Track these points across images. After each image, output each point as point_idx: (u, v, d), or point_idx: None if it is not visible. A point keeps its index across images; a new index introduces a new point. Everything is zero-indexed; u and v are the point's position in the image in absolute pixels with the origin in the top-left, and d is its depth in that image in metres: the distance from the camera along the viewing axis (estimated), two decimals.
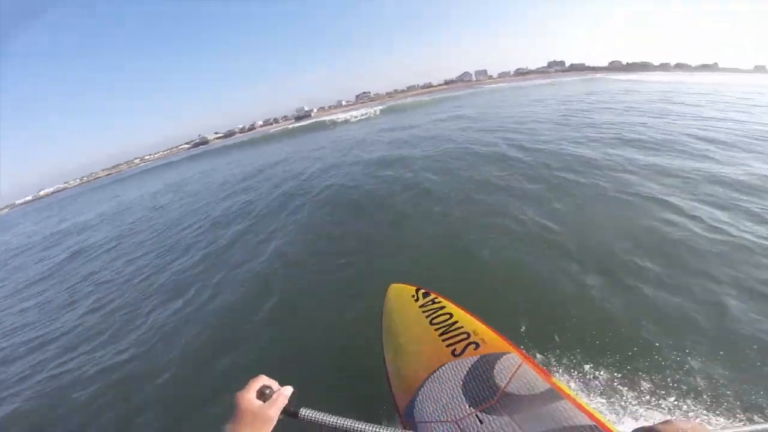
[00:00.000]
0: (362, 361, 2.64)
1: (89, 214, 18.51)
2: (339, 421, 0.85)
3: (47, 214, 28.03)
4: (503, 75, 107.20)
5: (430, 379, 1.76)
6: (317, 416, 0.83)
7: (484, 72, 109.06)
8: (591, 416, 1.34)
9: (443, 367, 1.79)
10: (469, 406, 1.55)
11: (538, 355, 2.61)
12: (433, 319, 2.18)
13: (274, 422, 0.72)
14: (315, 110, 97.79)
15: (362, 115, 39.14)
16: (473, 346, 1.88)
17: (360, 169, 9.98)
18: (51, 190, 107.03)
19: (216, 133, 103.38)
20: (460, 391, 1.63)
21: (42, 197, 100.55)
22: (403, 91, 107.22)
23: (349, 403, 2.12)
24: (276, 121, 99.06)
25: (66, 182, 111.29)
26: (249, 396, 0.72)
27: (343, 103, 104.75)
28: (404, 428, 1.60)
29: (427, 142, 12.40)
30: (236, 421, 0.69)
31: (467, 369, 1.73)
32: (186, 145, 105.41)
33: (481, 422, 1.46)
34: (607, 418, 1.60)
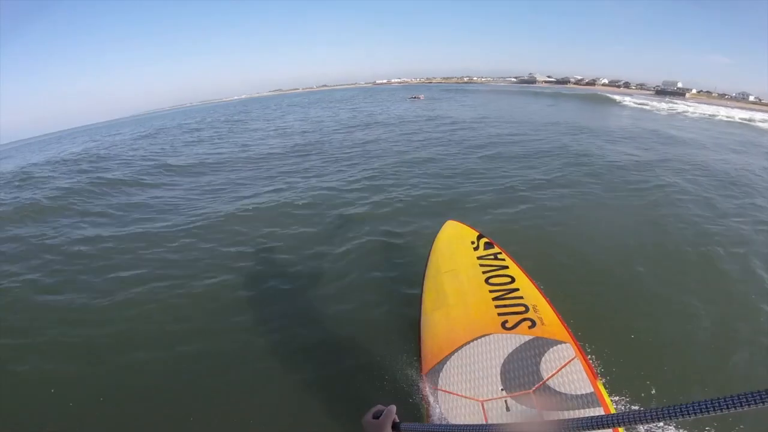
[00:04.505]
0: None
1: None
2: (437, 429, 0.96)
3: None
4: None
5: (468, 346, 1.54)
6: (415, 427, 0.86)
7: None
8: None
9: (487, 337, 1.56)
10: (502, 389, 1.34)
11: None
12: (490, 277, 1.89)
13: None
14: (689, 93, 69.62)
15: None
16: (528, 323, 1.62)
17: None
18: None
19: (548, 76, 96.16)
20: (498, 370, 1.41)
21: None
22: None
23: None
24: (627, 85, 78.59)
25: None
26: (367, 417, 0.91)
27: None
28: (422, 391, 1.49)
29: None
30: None
31: (514, 347, 1.46)
32: (513, 79, 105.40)
33: (508, 409, 1.26)
34: None
